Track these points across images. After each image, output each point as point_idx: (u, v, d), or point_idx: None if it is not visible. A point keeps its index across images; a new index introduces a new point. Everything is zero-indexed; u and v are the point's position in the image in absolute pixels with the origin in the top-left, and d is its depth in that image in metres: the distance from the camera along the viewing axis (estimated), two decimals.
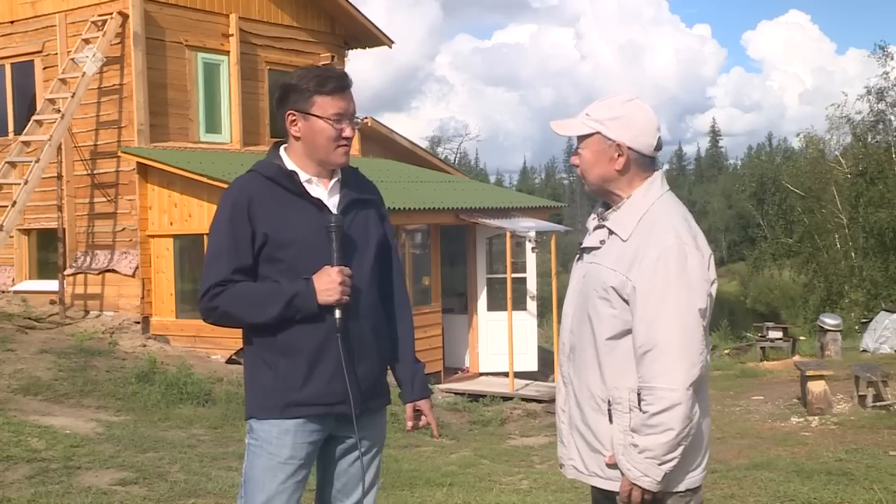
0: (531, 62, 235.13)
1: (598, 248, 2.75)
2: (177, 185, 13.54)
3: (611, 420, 2.66)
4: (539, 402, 13.66)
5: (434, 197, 15.62)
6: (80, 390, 10.18)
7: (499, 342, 15.09)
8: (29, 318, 13.42)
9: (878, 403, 9.71)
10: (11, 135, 14.92)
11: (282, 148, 3.00)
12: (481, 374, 15.66)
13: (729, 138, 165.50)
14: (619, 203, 2.74)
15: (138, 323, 13.67)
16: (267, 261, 2.85)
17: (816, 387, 9.91)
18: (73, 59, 13.63)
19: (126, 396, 10.24)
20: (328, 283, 2.77)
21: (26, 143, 13.37)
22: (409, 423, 3.07)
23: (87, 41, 13.64)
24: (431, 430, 3.14)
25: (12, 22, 15.15)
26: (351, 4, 16.92)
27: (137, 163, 13.73)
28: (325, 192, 2.93)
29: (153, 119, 13.99)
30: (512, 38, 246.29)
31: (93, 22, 13.82)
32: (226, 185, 12.21)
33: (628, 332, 2.63)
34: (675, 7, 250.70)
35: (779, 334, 17.27)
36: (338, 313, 2.79)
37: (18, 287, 14.98)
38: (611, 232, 2.72)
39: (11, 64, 15.28)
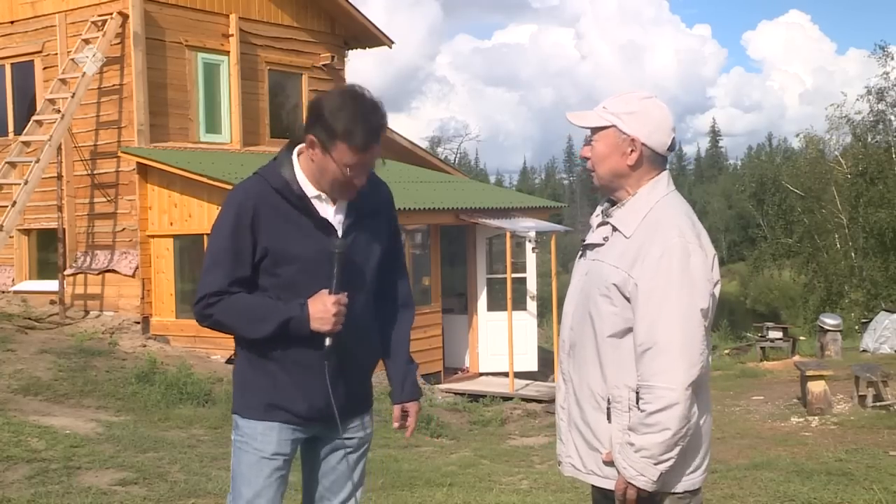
0: (531, 62, 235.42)
1: (602, 244, 2.74)
2: (177, 185, 13.54)
3: (609, 418, 2.65)
4: (539, 402, 13.66)
5: (434, 197, 15.62)
6: (80, 390, 10.18)
7: (499, 342, 15.09)
8: (29, 319, 13.42)
9: (878, 403, 9.70)
10: (11, 135, 14.91)
11: (296, 151, 2.88)
12: (481, 375, 15.66)
13: (729, 138, 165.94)
14: (625, 200, 2.73)
15: (138, 323, 13.67)
16: (266, 273, 2.82)
17: (816, 387, 9.91)
18: (73, 59, 13.63)
19: (126, 396, 10.24)
20: (322, 313, 2.74)
21: (26, 144, 13.37)
22: (396, 424, 3.07)
23: (87, 41, 13.63)
24: (405, 434, 3.11)
25: (12, 22, 15.15)
26: (351, 4, 16.91)
27: (137, 163, 13.73)
28: (332, 208, 2.86)
29: (153, 119, 13.99)
30: (512, 38, 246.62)
31: (93, 22, 13.81)
32: (225, 185, 12.31)
33: (629, 330, 2.61)
34: (676, 7, 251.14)
35: (779, 334, 17.27)
36: (328, 341, 2.78)
37: (18, 287, 14.98)
38: (614, 229, 2.71)
39: (11, 64, 15.27)
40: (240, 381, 2.95)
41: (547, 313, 19.65)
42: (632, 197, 2.71)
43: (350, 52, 17.94)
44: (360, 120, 2.69)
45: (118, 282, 13.93)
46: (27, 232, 15.06)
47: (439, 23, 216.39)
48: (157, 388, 10.40)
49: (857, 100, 35.26)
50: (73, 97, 13.24)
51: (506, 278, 14.88)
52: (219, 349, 12.74)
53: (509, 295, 14.73)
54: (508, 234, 14.90)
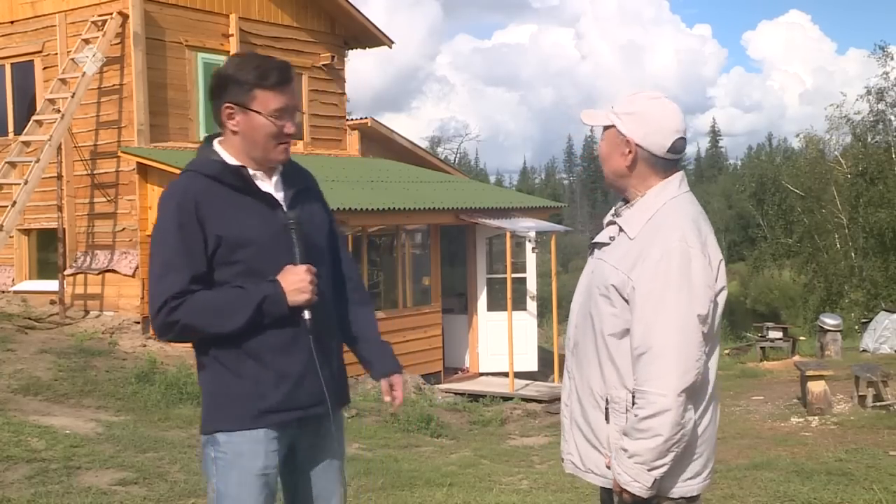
0: (531, 62, 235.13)
1: (608, 244, 2.73)
2: None
3: (608, 419, 2.64)
4: (539, 402, 13.65)
5: (434, 197, 15.62)
6: (80, 390, 10.18)
7: (499, 342, 15.10)
8: (29, 318, 13.42)
9: (878, 403, 9.70)
10: (11, 135, 14.92)
11: (216, 142, 2.80)
12: (481, 374, 15.67)
13: (729, 138, 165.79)
14: (634, 200, 2.72)
15: (138, 323, 13.66)
16: (222, 264, 2.67)
17: (816, 387, 9.91)
18: (73, 59, 13.63)
19: (126, 396, 10.24)
20: (298, 283, 2.64)
21: (26, 143, 13.37)
22: (387, 397, 2.93)
23: (87, 41, 13.63)
24: (393, 405, 2.97)
25: (12, 22, 15.15)
26: (351, 4, 16.92)
27: (137, 163, 13.72)
28: (271, 186, 2.78)
29: (153, 119, 13.98)
30: (512, 38, 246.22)
31: (93, 22, 13.82)
32: None
33: (627, 331, 2.60)
34: (676, 7, 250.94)
35: (779, 334, 17.27)
36: (307, 314, 2.67)
37: (18, 287, 14.98)
38: (621, 229, 2.69)
39: (11, 64, 15.28)
40: (213, 392, 2.75)
41: (547, 313, 19.66)
42: (641, 198, 2.70)
43: (350, 52, 17.97)
44: (265, 62, 2.76)
45: (118, 282, 13.93)
46: (27, 232, 15.06)
47: (439, 23, 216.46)
48: (157, 388, 10.39)
49: (857, 100, 35.35)
50: (73, 97, 13.24)
51: (506, 278, 14.88)
52: None
53: (509, 295, 14.73)
54: (508, 234, 14.91)
